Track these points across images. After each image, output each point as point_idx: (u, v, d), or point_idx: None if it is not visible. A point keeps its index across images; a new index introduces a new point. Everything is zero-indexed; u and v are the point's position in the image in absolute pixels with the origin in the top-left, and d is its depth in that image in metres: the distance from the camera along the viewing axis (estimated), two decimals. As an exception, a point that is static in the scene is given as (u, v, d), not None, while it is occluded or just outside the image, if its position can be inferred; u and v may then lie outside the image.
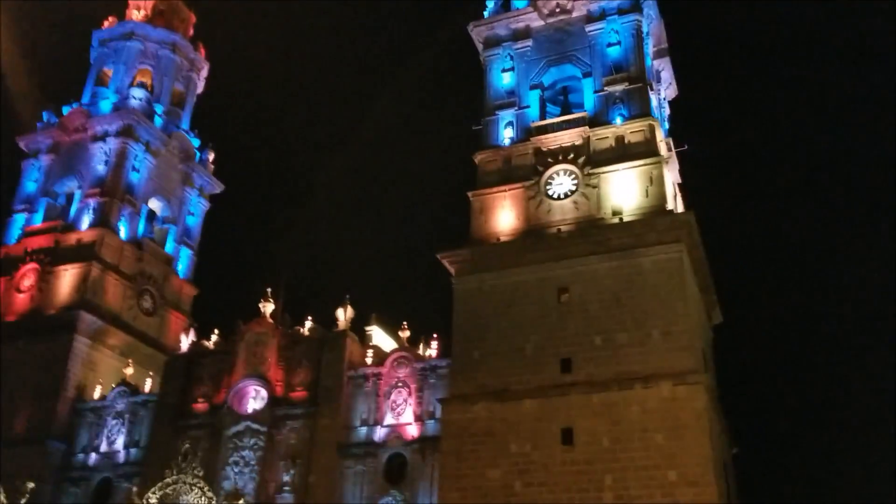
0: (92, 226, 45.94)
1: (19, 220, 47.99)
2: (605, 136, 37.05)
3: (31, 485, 32.16)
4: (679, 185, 39.90)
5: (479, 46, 41.96)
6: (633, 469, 30.19)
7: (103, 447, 40.67)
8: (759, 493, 47.26)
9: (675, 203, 37.39)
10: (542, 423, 31.94)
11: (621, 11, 39.63)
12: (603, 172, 36.13)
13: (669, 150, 39.04)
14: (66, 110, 50.37)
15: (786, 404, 63.85)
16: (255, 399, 38.55)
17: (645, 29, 39.96)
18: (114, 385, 41.87)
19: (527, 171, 37.37)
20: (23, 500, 31.46)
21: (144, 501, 29.46)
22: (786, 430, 61.59)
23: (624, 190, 35.60)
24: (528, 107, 39.35)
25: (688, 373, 31.11)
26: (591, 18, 40.05)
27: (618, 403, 31.36)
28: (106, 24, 53.25)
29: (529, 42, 40.75)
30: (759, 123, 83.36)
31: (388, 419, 35.89)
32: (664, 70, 42.53)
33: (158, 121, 50.24)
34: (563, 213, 36.01)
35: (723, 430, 34.77)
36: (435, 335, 36.84)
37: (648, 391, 31.21)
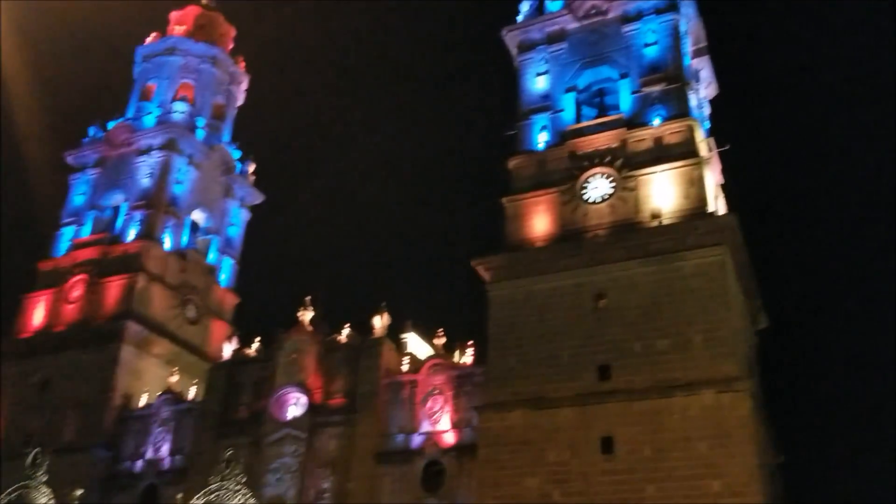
0: (137, 238, 46.88)
1: (68, 232, 49.16)
2: (642, 138, 36.38)
3: (79, 491, 32.73)
4: (721, 185, 39.00)
5: (513, 51, 41.62)
6: (676, 479, 29.45)
7: (149, 454, 41.29)
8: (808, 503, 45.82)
9: (716, 204, 36.50)
10: (581, 432, 31.42)
11: (658, 11, 38.93)
12: (641, 175, 35.46)
13: (710, 150, 38.19)
14: (111, 125, 51.49)
15: (835, 410, 61.98)
16: (295, 406, 38.81)
17: (683, 28, 39.19)
18: (159, 393, 42.54)
19: (562, 175, 36.87)
20: (71, 506, 32.07)
21: (189, 508, 29.71)
22: (835, 437, 59.73)
23: (663, 192, 34.88)
24: (562, 110, 38.88)
25: (731, 379, 30.30)
26: (627, 19, 39.43)
27: (659, 411, 30.69)
28: (149, 40, 54.36)
29: (564, 45, 40.30)
30: (805, 120, 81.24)
31: (425, 426, 35.77)
32: (703, 69, 41.68)
33: (200, 134, 51.05)
34: (599, 217, 35.43)
35: (768, 438, 33.79)
36: (470, 342, 36.62)
37: (690, 399, 30.47)
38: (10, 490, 31.28)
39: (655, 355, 31.71)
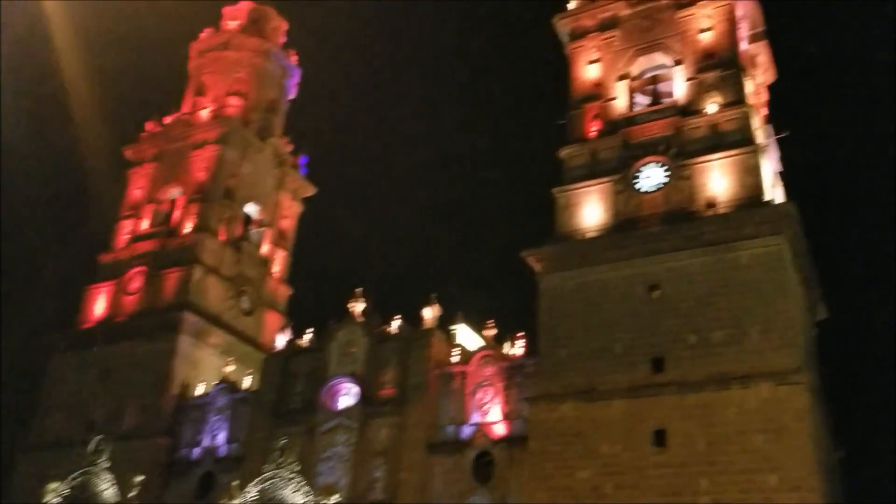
0: (193, 230, 47.72)
1: (126, 226, 50.33)
2: (697, 126, 35.67)
3: (139, 478, 33.59)
4: (779, 173, 37.99)
5: (564, 39, 41.14)
6: (731, 473, 28.90)
7: (205, 442, 42.12)
8: (869, 498, 44.48)
9: (774, 193, 35.58)
10: (633, 424, 31.03)
11: (714, -4, 38.06)
12: (695, 163, 34.78)
13: (768, 137, 37.21)
14: (167, 120, 52.54)
15: (899, 404, 59.76)
16: (346, 396, 39.20)
17: (738, 12, 38.18)
18: (215, 382, 43.36)
19: (614, 164, 36.37)
20: (132, 493, 32.91)
21: (244, 495, 30.21)
22: (899, 431, 57.66)
23: (718, 181, 34.17)
24: (615, 98, 38.28)
25: (789, 372, 29.58)
26: (681, 4, 38.62)
27: (714, 404, 30.13)
28: (203, 36, 55.22)
29: (616, 32, 39.66)
30: (865, 105, 78.59)
31: (475, 418, 35.72)
32: (761, 54, 40.61)
33: (254, 127, 51.70)
34: (653, 206, 34.85)
35: (828, 431, 32.90)
36: (521, 333, 36.42)
37: (747, 391, 29.86)
38: (73, 476, 32.33)
39: (710, 347, 31.14)
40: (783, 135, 37.97)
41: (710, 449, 29.49)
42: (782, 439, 28.67)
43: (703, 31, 37.62)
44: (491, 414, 35.48)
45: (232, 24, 55.22)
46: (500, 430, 34.97)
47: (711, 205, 33.93)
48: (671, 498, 29.30)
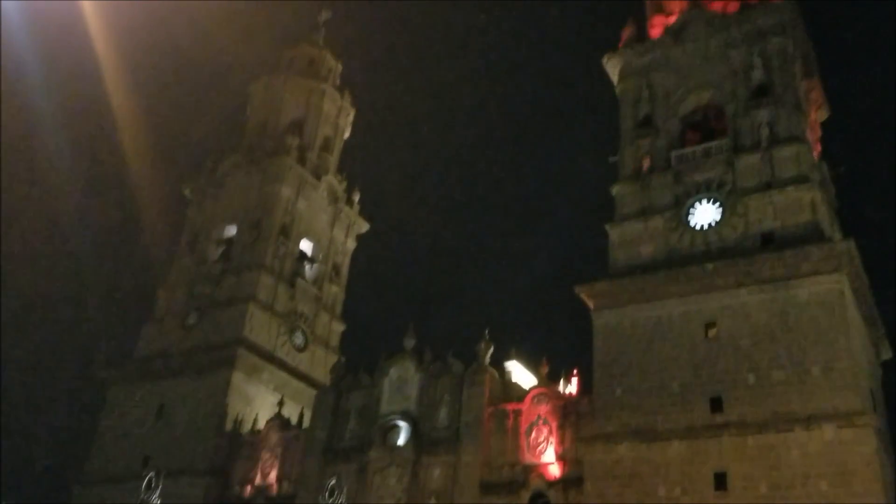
0: (249, 267, 48.44)
1: (184, 261, 51.14)
2: (751, 163, 35.35)
3: (192, 515, 33.88)
4: (835, 209, 37.39)
5: (614, 77, 41.33)
6: (795, 518, 28.15)
7: (258, 479, 42.20)
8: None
9: (832, 230, 35.02)
10: (693, 467, 30.42)
11: (766, 34, 37.93)
12: (750, 200, 34.46)
13: (823, 173, 36.76)
14: (226, 159, 53.69)
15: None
16: (399, 434, 39.06)
17: (791, 50, 37.96)
18: (268, 419, 43.64)
19: (667, 200, 36.20)
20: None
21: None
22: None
23: (773, 218, 33.75)
24: (666, 136, 38.21)
25: (854, 413, 28.87)
26: (732, 43, 38.59)
27: (776, 446, 29.47)
28: (262, 76, 56.49)
29: (667, 70, 39.71)
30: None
31: (530, 457, 35.28)
32: (814, 90, 40.23)
33: (309, 165, 52.69)
34: (707, 243, 34.55)
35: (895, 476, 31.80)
36: (575, 371, 36.16)
37: (810, 433, 29.18)
38: (129, 510, 32.76)
39: (770, 387, 30.55)
40: (838, 171, 37.49)
41: (773, 493, 28.79)
42: (849, 484, 27.87)
43: (755, 68, 37.44)
44: (546, 454, 35.03)
45: (290, 66, 56.64)
46: (554, 470, 34.45)
47: (767, 241, 33.52)
48: (733, 543, 28.61)
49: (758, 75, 37.22)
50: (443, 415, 38.03)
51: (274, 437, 42.83)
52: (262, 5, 68.11)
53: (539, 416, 35.75)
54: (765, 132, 35.69)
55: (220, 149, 55.26)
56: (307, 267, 51.72)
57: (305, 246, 51.99)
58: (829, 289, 31.40)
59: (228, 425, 43.81)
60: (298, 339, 49.00)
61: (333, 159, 55.33)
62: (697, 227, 35.09)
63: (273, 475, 41.96)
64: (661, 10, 42.43)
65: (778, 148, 35.09)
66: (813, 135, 39.13)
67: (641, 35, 41.80)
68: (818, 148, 39.44)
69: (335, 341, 51.59)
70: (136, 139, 58.27)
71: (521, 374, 39.07)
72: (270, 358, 46.66)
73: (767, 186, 34.47)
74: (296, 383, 47.14)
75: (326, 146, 55.05)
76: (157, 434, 44.59)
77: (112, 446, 45.58)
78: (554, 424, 35.27)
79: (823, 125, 41.64)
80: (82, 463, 46.41)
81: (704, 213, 35.19)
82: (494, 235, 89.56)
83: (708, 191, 35.46)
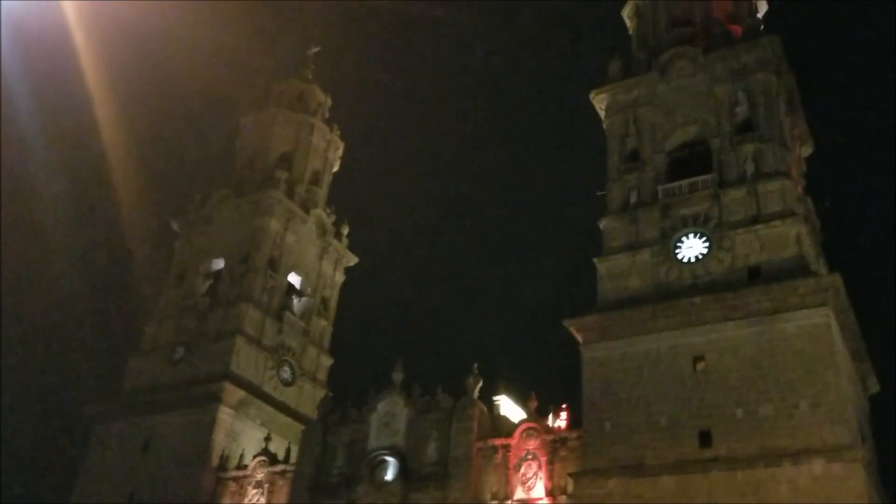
0: (236, 300, 48.23)
1: (170, 295, 50.99)
2: (737, 197, 35.73)
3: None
4: (821, 243, 37.74)
5: (601, 112, 41.82)
6: (785, 553, 28.01)
7: (244, 516, 41.78)
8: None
9: (817, 264, 35.32)
10: (683, 501, 30.27)
11: (750, 71, 38.55)
12: (736, 234, 34.77)
13: (808, 208, 37.17)
14: (214, 192, 53.79)
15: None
16: (387, 469, 38.70)
17: (775, 86, 38.57)
18: (254, 454, 43.19)
19: (655, 234, 36.48)
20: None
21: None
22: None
23: (760, 252, 34.05)
24: (653, 170, 38.60)
25: (842, 448, 28.92)
26: (718, 79, 39.18)
27: (765, 481, 29.42)
28: (251, 110, 56.89)
29: (653, 106, 40.23)
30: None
31: (519, 493, 35.01)
32: (798, 127, 40.79)
33: (298, 199, 52.78)
34: (694, 277, 34.78)
35: (886, 511, 31.77)
36: (564, 405, 36.04)
37: (799, 468, 29.16)
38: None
39: (759, 422, 30.59)
40: (823, 205, 37.92)
41: (763, 528, 28.64)
42: (838, 519, 27.78)
43: (740, 104, 37.97)
44: (536, 489, 34.75)
45: (280, 100, 57.00)
46: (544, 505, 34.27)
47: (754, 275, 33.76)
48: (724, 579, 28.39)
49: (743, 111, 37.76)
50: (431, 450, 37.75)
51: (261, 473, 42.39)
52: (252, 40, 68.75)
53: (528, 451, 35.56)
54: (750, 167, 36.12)
55: (208, 182, 55.50)
56: (295, 301, 51.53)
57: (294, 279, 51.85)
58: (816, 323, 31.57)
59: (215, 461, 43.32)
60: (286, 373, 48.66)
61: (322, 193, 55.46)
62: (685, 261, 35.34)
63: (259, 512, 41.47)
64: (646, 43, 43.15)
65: (763, 182, 35.49)
66: (797, 169, 39.59)
67: (628, 68, 42.30)
68: (803, 182, 39.89)
69: (323, 375, 51.25)
70: (126, 172, 58.33)
71: (510, 409, 38.91)
72: (258, 392, 46.26)
73: (753, 221, 34.80)
74: (283, 418, 46.72)
75: (315, 180, 55.22)
76: (142, 469, 44.04)
77: (98, 481, 45.00)
78: (543, 459, 35.08)
79: (808, 160, 42.17)
80: (68, 498, 45.76)
81: (691, 247, 35.46)
82: (483, 269, 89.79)
83: (695, 225, 35.77)
